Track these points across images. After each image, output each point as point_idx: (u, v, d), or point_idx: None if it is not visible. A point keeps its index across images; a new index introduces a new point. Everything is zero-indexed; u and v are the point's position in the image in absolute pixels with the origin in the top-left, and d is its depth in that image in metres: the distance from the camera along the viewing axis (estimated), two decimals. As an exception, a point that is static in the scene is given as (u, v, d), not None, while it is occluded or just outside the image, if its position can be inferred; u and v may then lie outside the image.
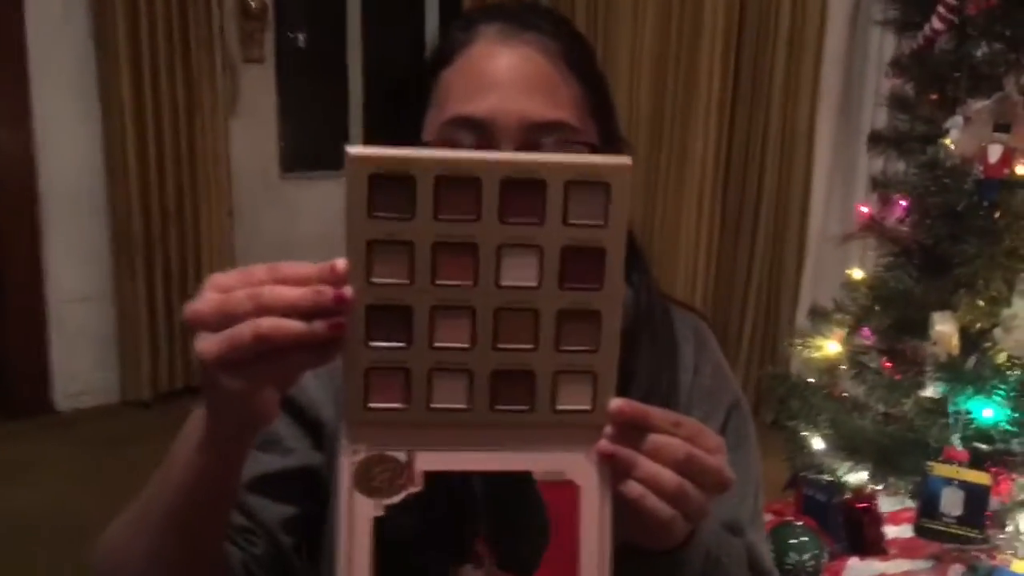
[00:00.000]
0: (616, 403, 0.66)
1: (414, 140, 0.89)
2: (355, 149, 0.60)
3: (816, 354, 2.32)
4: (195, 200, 3.69)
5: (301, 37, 4.32)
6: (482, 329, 0.63)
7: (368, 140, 4.30)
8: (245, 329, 0.60)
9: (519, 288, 0.62)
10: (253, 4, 3.80)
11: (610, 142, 0.92)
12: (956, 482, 1.89)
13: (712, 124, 3.73)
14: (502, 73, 0.85)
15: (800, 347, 2.37)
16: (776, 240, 3.70)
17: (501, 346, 0.63)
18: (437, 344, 0.63)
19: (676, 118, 3.75)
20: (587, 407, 0.65)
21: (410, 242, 0.61)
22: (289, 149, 4.13)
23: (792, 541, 2.19)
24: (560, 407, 0.65)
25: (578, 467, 0.66)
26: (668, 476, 0.66)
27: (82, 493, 3.04)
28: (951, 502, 1.89)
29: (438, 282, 0.62)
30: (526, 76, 0.86)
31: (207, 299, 0.62)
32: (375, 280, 0.61)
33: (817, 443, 2.18)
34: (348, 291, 0.61)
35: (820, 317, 2.36)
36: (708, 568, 0.77)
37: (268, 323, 0.60)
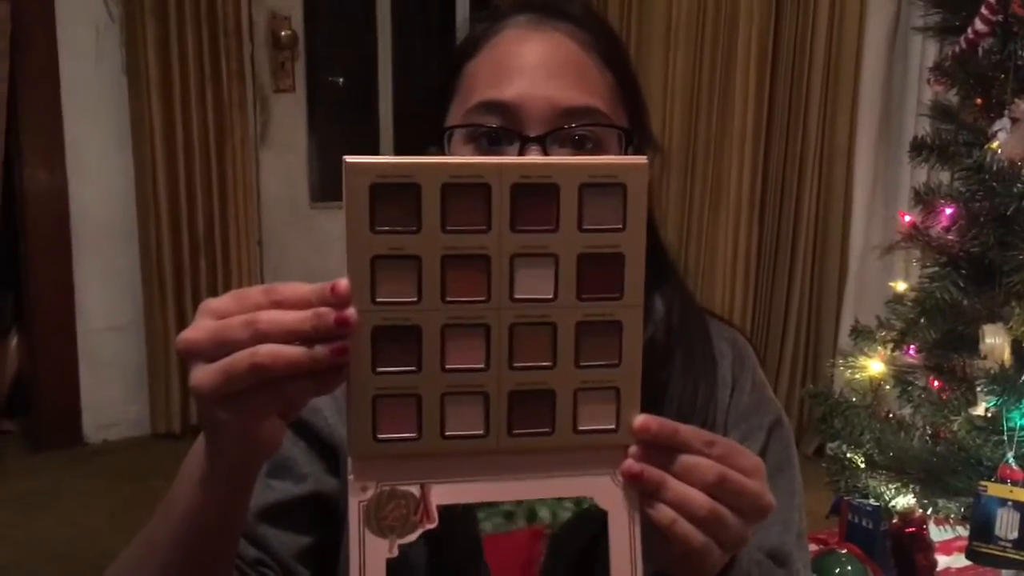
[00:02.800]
0: (641, 419, 0.60)
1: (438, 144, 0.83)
2: (353, 158, 0.56)
3: (859, 374, 2.23)
4: (224, 230, 3.67)
5: (340, 80, 4.33)
6: (497, 347, 0.59)
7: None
8: (241, 359, 0.56)
9: (535, 300, 0.59)
10: (283, 34, 3.80)
11: (642, 138, 0.86)
12: (1011, 503, 1.77)
13: (748, 148, 3.65)
14: (530, 58, 0.81)
15: (843, 367, 2.27)
16: (816, 260, 3.61)
17: (517, 364, 0.59)
18: (449, 366, 0.59)
19: (710, 144, 3.69)
20: (611, 426, 0.61)
21: (417, 256, 0.57)
22: (319, 178, 4.11)
23: (837, 571, 2.07)
24: (582, 427, 0.61)
25: (604, 491, 0.61)
26: (700, 499, 0.60)
27: (110, 525, 3.00)
28: (1006, 524, 1.77)
29: (448, 299, 0.58)
30: (556, 61, 0.81)
31: (201, 327, 0.58)
32: (380, 299, 0.57)
33: (861, 464, 2.07)
34: (351, 313, 0.56)
35: (863, 335, 2.26)
36: None
37: (266, 351, 0.55)
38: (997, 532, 1.78)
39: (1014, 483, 1.79)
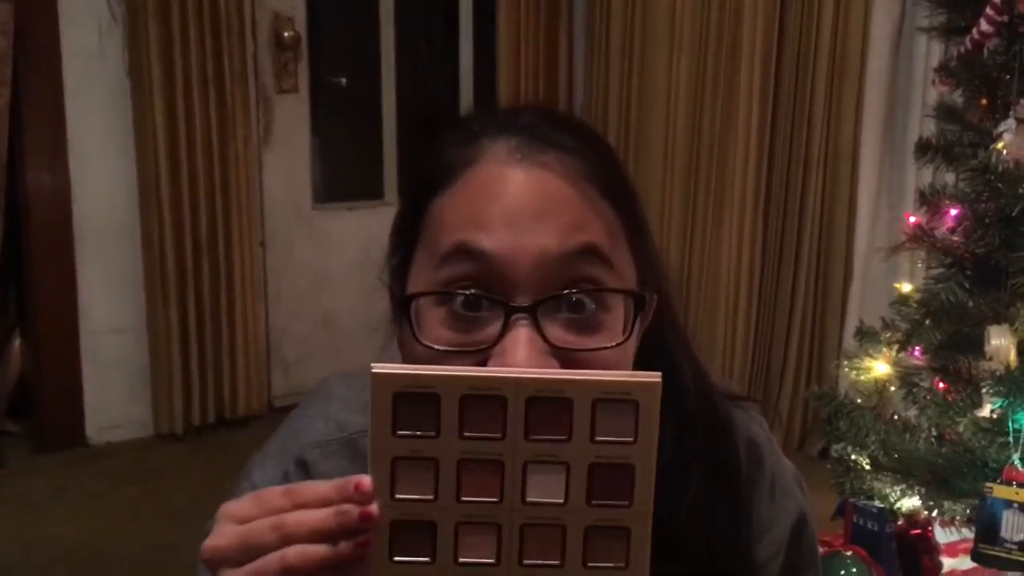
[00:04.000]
0: None
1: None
2: (380, 368, 0.60)
3: (864, 376, 2.22)
4: (227, 231, 3.67)
5: (343, 80, 4.33)
6: (508, 545, 0.62)
7: (402, 171, 4.18)
8: (272, 562, 0.58)
9: (545, 504, 0.62)
10: (286, 34, 3.80)
11: (645, 272, 0.77)
12: (1017, 504, 1.77)
13: (752, 148, 3.64)
14: (514, 199, 0.70)
15: (847, 369, 2.26)
16: (821, 261, 3.58)
17: (527, 562, 0.62)
18: (462, 560, 0.62)
19: (714, 145, 3.68)
20: None
21: (435, 459, 0.61)
22: (322, 180, 4.11)
23: (842, 573, 2.07)
24: None
25: None
26: None
27: (114, 526, 3.00)
28: (1012, 526, 1.77)
29: (463, 499, 0.61)
30: (544, 202, 0.70)
31: (225, 534, 0.60)
32: (399, 496, 0.61)
33: (866, 466, 2.06)
34: (374, 508, 0.59)
35: (868, 337, 2.25)
36: None
37: (294, 553, 0.58)
38: (1003, 534, 1.78)
39: (1020, 485, 1.78)
